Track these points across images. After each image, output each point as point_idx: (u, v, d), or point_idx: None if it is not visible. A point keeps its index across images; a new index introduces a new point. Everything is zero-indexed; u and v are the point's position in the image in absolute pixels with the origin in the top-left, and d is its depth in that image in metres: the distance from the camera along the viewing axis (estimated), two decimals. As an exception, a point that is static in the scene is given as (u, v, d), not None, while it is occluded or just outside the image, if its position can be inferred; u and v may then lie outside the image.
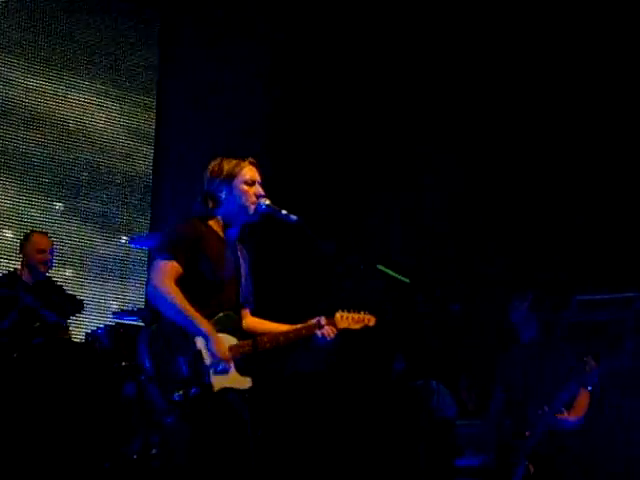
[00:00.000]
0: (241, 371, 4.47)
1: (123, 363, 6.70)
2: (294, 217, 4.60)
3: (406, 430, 6.99)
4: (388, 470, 6.97)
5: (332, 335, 4.65)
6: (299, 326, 4.67)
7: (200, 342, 4.37)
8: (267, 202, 4.61)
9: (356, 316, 4.76)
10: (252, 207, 4.59)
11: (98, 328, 7.13)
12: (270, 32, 8.89)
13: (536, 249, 7.87)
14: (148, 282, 4.49)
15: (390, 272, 4.65)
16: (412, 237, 8.24)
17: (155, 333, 4.40)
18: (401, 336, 7.48)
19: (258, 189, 4.61)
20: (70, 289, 7.77)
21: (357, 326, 4.75)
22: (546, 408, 5.97)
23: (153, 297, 4.44)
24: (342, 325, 4.72)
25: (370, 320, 4.79)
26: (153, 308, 4.53)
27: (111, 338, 6.84)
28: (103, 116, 8.62)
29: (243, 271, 4.64)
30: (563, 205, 7.86)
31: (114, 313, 7.59)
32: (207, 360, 4.36)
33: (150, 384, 4.35)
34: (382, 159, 8.57)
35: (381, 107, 8.61)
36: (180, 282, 4.42)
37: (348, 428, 7.35)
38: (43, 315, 6.71)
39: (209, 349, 4.36)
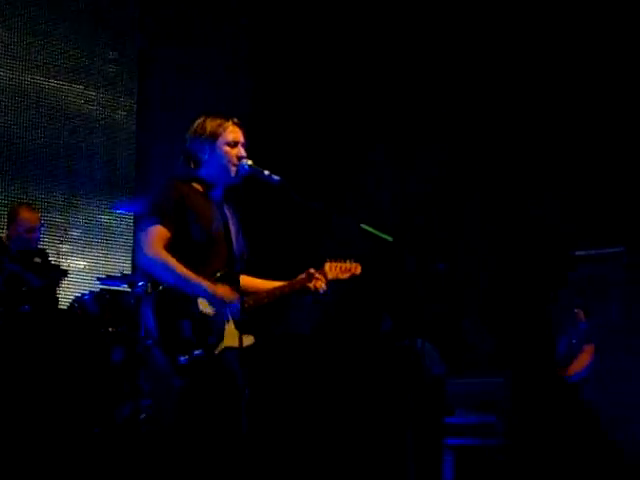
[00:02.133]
0: (242, 329, 4.44)
1: (110, 329, 6.70)
2: (277, 178, 4.56)
3: (394, 390, 7.00)
4: (377, 430, 6.98)
5: (324, 287, 4.62)
6: (292, 281, 4.64)
7: (202, 303, 4.38)
8: (249, 163, 4.58)
9: (343, 265, 4.71)
10: (234, 169, 4.56)
11: (84, 294, 7.10)
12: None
13: (520, 208, 7.86)
14: (138, 250, 4.48)
15: (374, 231, 4.62)
16: (398, 198, 8.21)
17: (159, 298, 4.38)
18: (388, 296, 7.48)
19: (240, 150, 4.58)
20: (55, 255, 7.74)
21: (345, 276, 4.71)
22: None
23: (146, 265, 4.43)
24: (331, 276, 4.67)
25: (357, 268, 4.73)
26: (147, 275, 4.50)
27: (97, 304, 6.82)
28: (84, 84, 8.54)
29: (233, 230, 4.61)
30: (546, 164, 7.84)
31: (100, 279, 7.56)
32: (213, 313, 4.36)
33: (156, 348, 4.36)
34: (369, 122, 8.51)
35: (368, 74, 8.55)
36: (171, 246, 4.41)
37: (336, 388, 7.36)
38: (28, 280, 6.67)
39: (213, 300, 4.36)
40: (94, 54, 8.59)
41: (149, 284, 4.50)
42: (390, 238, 4.64)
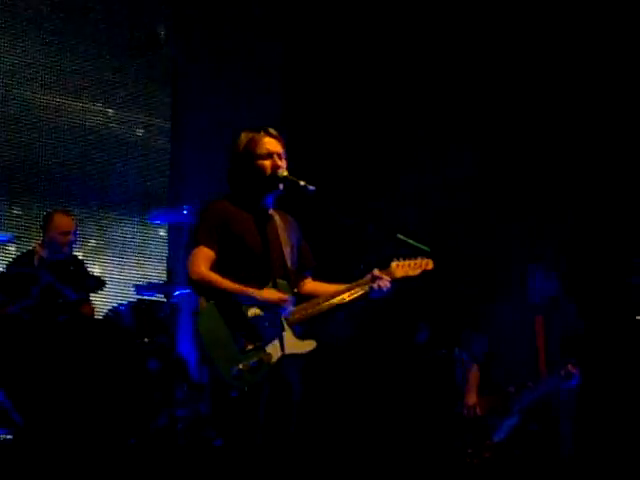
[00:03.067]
0: (300, 335, 4.46)
1: (145, 339, 6.72)
2: (312, 188, 4.57)
3: (430, 400, 6.97)
4: (411, 439, 6.97)
5: (388, 286, 4.57)
6: (354, 284, 4.61)
7: (252, 311, 4.39)
8: (285, 173, 4.58)
9: (412, 262, 4.67)
10: (269, 181, 4.57)
11: (120, 304, 7.14)
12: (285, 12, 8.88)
13: (549, 219, 7.81)
14: (187, 275, 4.47)
15: (410, 241, 4.61)
16: (430, 208, 8.17)
17: (205, 316, 4.40)
18: (424, 306, 7.45)
19: (275, 161, 4.59)
20: (90, 265, 7.77)
21: (415, 272, 4.66)
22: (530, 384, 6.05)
23: (194, 287, 4.47)
24: (399, 274, 4.63)
25: (428, 264, 4.69)
26: (199, 294, 4.51)
27: (133, 314, 6.86)
28: (121, 92, 8.61)
29: (288, 240, 4.62)
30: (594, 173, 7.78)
31: (136, 289, 7.59)
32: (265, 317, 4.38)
33: (209, 364, 4.36)
34: (402, 133, 8.50)
35: (399, 87, 8.53)
36: (218, 265, 4.44)
37: (372, 398, 7.36)
38: (63, 292, 6.70)
39: (263, 305, 4.38)
40: (128, 72, 8.65)
41: (198, 304, 4.50)
42: (427, 248, 4.62)
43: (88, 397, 6.26)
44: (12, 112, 8.08)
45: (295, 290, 4.57)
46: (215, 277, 4.41)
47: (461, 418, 6.26)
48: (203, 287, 4.43)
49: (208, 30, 8.78)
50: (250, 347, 4.34)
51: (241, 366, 4.30)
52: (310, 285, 4.71)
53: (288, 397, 4.48)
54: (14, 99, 8.11)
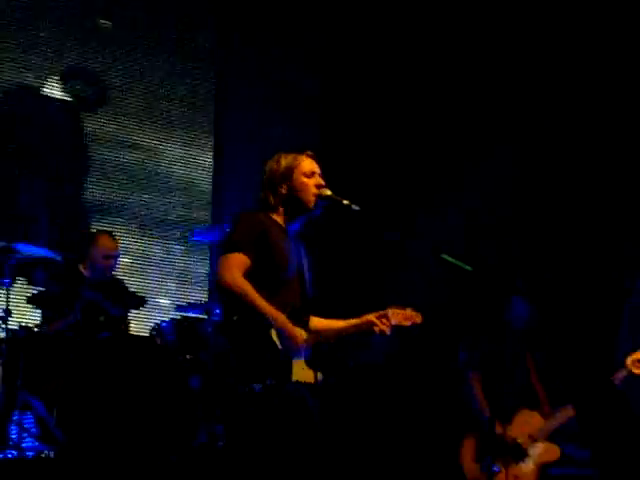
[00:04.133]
0: (312, 365, 4.47)
1: (187, 356, 6.74)
2: (357, 207, 4.57)
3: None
4: (451, 457, 6.94)
5: (388, 331, 4.62)
6: (358, 321, 4.66)
7: (275, 334, 4.36)
8: (328, 192, 4.59)
9: (405, 313, 4.70)
10: (312, 199, 4.58)
11: (163, 321, 7.16)
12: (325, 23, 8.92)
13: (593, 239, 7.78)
14: (217, 276, 4.44)
15: (454, 261, 4.61)
16: (473, 227, 8.15)
17: (234, 326, 4.40)
18: (465, 325, 7.43)
19: (318, 180, 4.60)
20: (131, 283, 7.82)
21: (407, 323, 4.69)
22: None
23: (223, 291, 4.42)
24: (393, 321, 4.66)
25: (418, 317, 4.72)
26: (224, 302, 4.53)
27: (175, 332, 6.88)
28: (161, 114, 8.69)
29: (306, 268, 4.63)
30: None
31: (178, 307, 7.62)
32: (282, 350, 4.36)
33: (232, 375, 4.38)
34: (443, 149, 8.50)
35: (440, 98, 8.55)
36: (248, 275, 4.40)
37: (411, 418, 7.34)
38: (107, 308, 6.72)
39: (283, 336, 4.35)
40: (170, 91, 8.73)
41: (223, 312, 4.53)
42: (470, 268, 4.62)
43: (129, 414, 6.28)
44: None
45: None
46: (251, 290, 4.34)
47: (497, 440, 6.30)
48: (232, 294, 4.37)
49: (250, 51, 8.86)
50: (268, 366, 4.34)
51: (262, 384, 4.31)
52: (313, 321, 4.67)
53: (306, 415, 4.44)
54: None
